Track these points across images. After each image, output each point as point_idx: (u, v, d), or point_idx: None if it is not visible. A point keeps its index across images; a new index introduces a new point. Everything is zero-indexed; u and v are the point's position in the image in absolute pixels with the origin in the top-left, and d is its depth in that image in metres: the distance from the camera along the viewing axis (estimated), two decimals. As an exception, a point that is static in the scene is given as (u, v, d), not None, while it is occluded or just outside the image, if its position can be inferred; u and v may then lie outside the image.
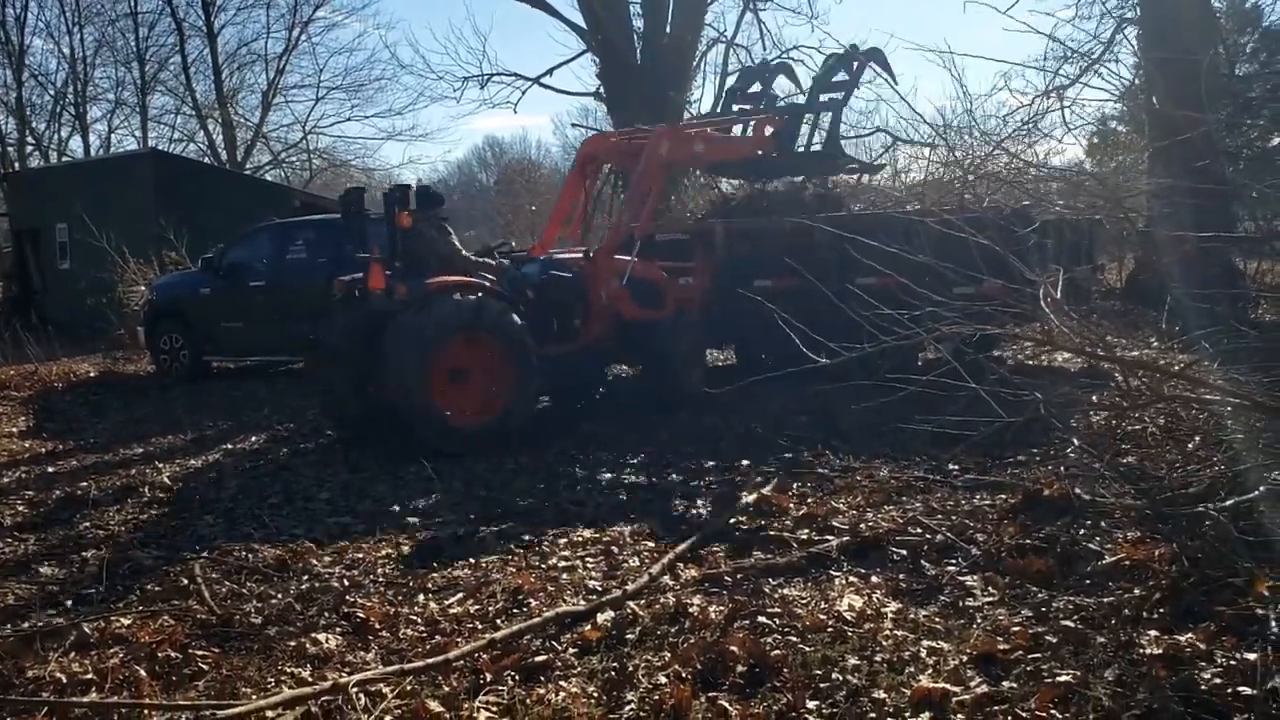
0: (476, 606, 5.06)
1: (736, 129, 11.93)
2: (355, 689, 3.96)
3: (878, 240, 7.46)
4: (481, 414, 8.82)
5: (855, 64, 10.97)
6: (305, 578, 5.67)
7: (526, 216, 33.37)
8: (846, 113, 11.97)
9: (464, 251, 9.36)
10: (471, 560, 5.84)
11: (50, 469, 8.96)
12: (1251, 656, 3.79)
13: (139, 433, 10.50)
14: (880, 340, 5.42)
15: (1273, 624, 3.95)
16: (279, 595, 5.39)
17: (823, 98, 11.46)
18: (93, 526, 6.89)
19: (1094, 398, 7.82)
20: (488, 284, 8.99)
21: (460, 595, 5.23)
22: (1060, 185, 9.57)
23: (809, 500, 6.51)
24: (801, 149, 11.40)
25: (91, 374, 15.00)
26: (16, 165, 34.07)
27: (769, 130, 10.93)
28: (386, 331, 8.48)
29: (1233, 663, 3.78)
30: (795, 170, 12.17)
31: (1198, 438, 5.75)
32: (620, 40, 22.68)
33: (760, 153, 11.07)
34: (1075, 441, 4.87)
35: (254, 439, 9.89)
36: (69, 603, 5.42)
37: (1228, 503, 4.66)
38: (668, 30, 22.99)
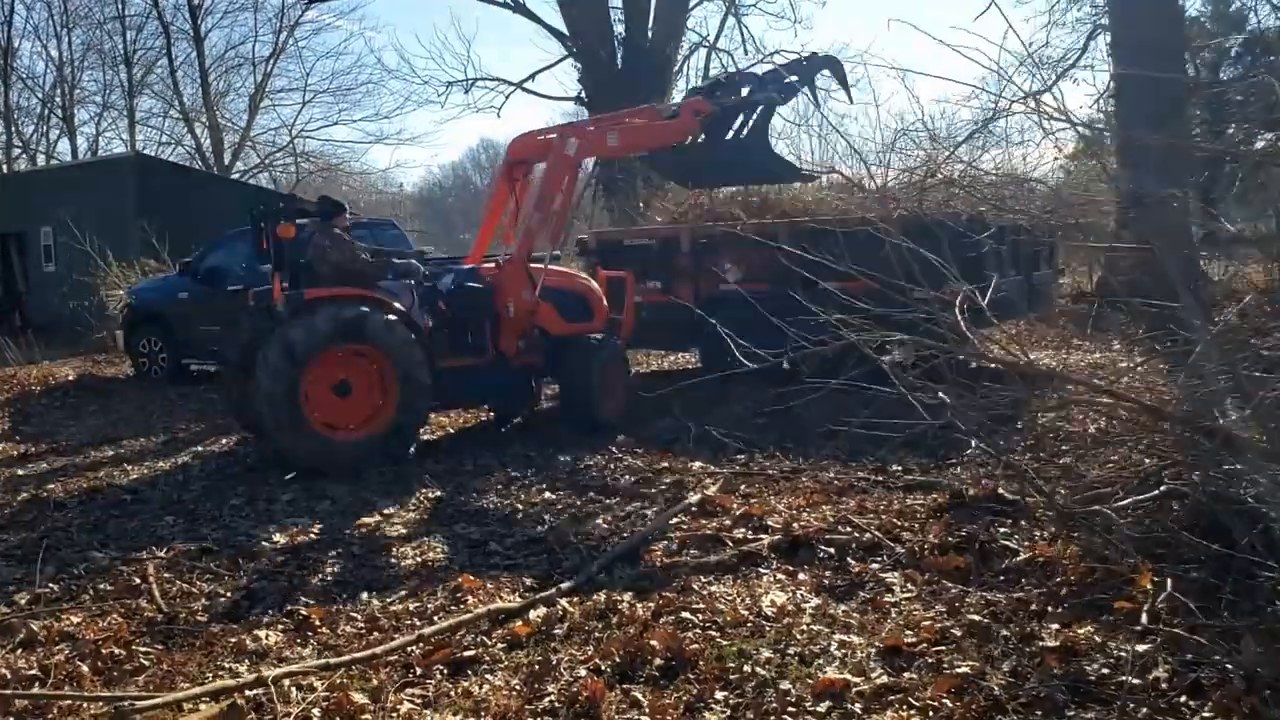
0: (416, 604, 5.23)
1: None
2: (285, 681, 4.13)
3: (838, 245, 7.64)
4: (367, 429, 8.56)
5: (809, 70, 10.58)
6: (255, 576, 5.83)
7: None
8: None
9: (368, 260, 8.93)
10: (417, 559, 6.01)
11: (20, 471, 9.10)
12: (1141, 648, 3.98)
13: (112, 435, 10.65)
14: (826, 342, 5.59)
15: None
16: (227, 594, 5.56)
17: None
18: (53, 528, 7.03)
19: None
20: (378, 295, 8.68)
21: (402, 593, 5.40)
22: (1014, 191, 9.75)
23: (751, 500, 6.69)
24: (733, 144, 10.44)
25: (70, 377, 15.14)
26: (3, 169, 34.20)
27: (696, 114, 9.98)
28: (259, 344, 8.37)
29: (1123, 654, 3.96)
30: (726, 170, 11.46)
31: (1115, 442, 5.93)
32: (601, 45, 22.91)
33: (689, 140, 10.22)
34: (974, 443, 5.03)
35: (224, 441, 10.04)
36: (23, 600, 5.57)
37: (1125, 502, 4.84)
38: (649, 35, 23.24)
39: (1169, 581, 4.23)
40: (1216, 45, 29.59)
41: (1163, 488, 4.91)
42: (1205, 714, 3.49)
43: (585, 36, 22.77)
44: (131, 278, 17.74)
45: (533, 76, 25.65)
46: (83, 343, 17.82)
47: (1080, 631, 4.21)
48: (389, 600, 5.30)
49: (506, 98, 26.78)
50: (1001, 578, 4.95)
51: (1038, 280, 12.21)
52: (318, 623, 5.01)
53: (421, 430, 9.09)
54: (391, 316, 8.56)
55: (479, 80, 25.35)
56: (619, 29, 23.53)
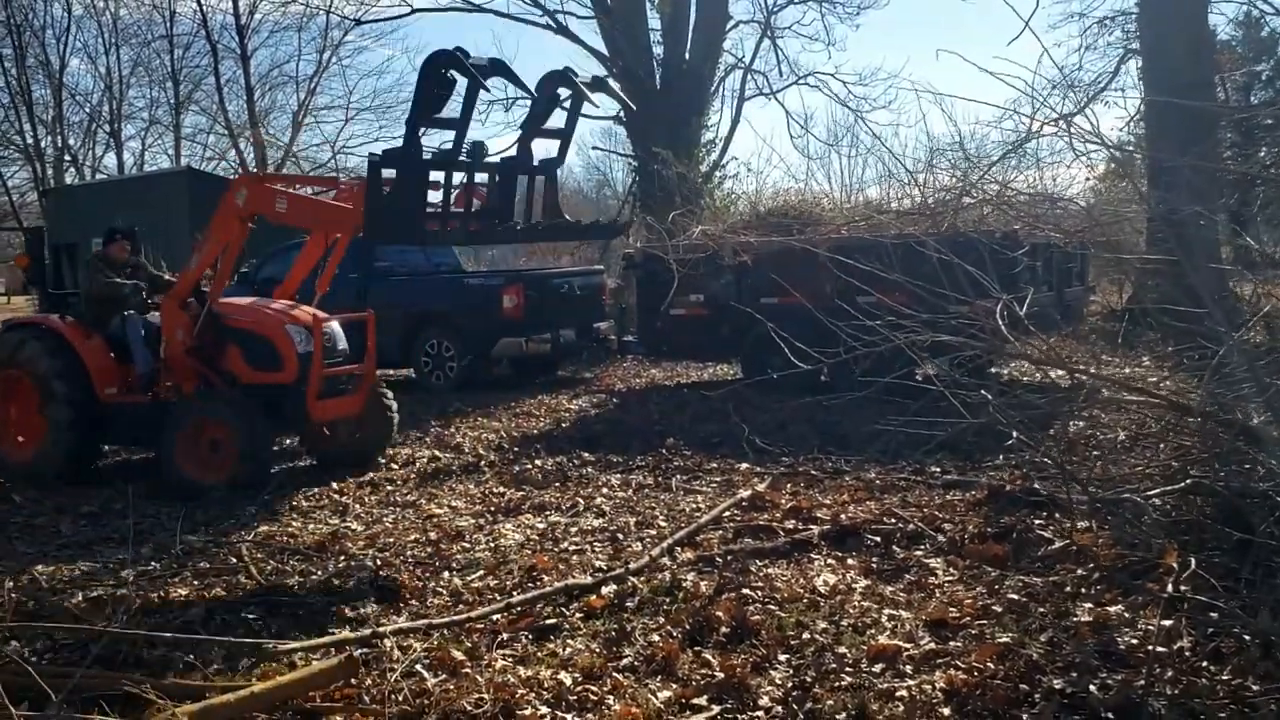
0: (495, 581, 5.69)
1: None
2: (388, 642, 4.61)
3: (872, 261, 8.07)
4: (16, 452, 9.20)
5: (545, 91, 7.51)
6: (342, 559, 6.30)
7: (548, 236, 34.10)
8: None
9: (105, 280, 8.98)
10: (491, 545, 6.47)
11: (99, 464, 9.64)
12: (1167, 623, 4.37)
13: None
14: (861, 350, 6.04)
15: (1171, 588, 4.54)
16: (319, 572, 6.03)
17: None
18: (144, 515, 7.52)
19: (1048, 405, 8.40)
20: (53, 320, 9.14)
21: (481, 572, 5.86)
22: (1047, 210, 10.15)
23: (799, 496, 7.12)
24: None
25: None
26: (53, 181, 35.08)
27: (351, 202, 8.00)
28: None
29: (1150, 628, 4.36)
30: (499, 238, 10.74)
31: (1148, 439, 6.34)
32: (640, 66, 23.43)
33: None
34: (1014, 435, 5.45)
35: (289, 440, 10.54)
36: (130, 577, 6.06)
37: (1153, 493, 5.25)
38: (687, 57, 23.74)
39: (1192, 561, 4.62)
40: (1247, 70, 29.88)
41: (1187, 481, 5.31)
42: (1224, 676, 3.88)
43: (624, 57, 23.30)
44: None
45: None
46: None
47: (1111, 609, 4.61)
48: (469, 579, 5.76)
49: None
50: (1037, 563, 5.35)
51: (1070, 296, 12.59)
52: (408, 596, 5.48)
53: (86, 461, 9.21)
54: (43, 343, 8.92)
55: (520, 99, 25.88)
56: (657, 50, 24.06)
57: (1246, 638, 4.11)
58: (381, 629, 4.61)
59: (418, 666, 4.37)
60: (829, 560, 5.70)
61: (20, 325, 9.54)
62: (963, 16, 51.82)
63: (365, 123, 37.52)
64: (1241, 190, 29.16)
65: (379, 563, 6.14)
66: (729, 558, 5.82)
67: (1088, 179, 15.12)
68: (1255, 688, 3.67)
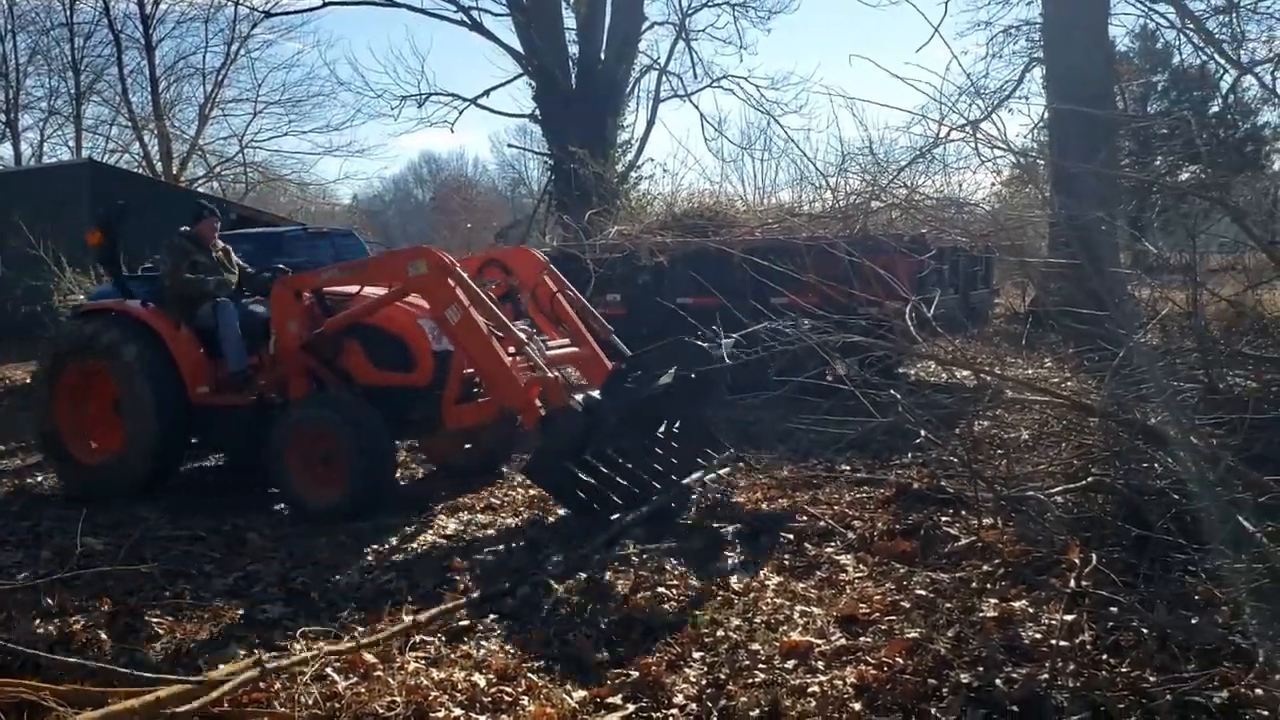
0: (408, 581, 5.62)
1: None
2: (299, 644, 4.53)
3: (785, 263, 8.17)
4: (102, 453, 8.04)
5: None
6: (249, 560, 6.17)
7: (463, 234, 33.90)
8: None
9: (186, 275, 7.97)
10: (407, 547, 6.40)
11: (-4, 465, 9.32)
12: (1069, 618, 4.49)
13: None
14: (776, 349, 6.12)
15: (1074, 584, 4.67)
16: (225, 575, 5.90)
17: None
18: (43, 517, 7.29)
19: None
20: (135, 307, 8.02)
21: (393, 574, 5.78)
22: (954, 214, 10.36)
23: (712, 495, 7.17)
24: None
25: (27, 380, 15.21)
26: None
27: None
28: None
29: (1053, 622, 4.48)
30: None
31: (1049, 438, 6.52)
32: (555, 65, 23.40)
33: None
34: (922, 433, 5.58)
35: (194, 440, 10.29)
36: (25, 580, 5.85)
37: (1056, 490, 5.41)
38: (602, 57, 23.77)
39: (1093, 557, 4.76)
40: (1144, 81, 30.89)
41: (1088, 479, 5.48)
42: (1123, 669, 4.00)
43: (540, 55, 23.25)
44: (85, 283, 17.82)
45: (487, 93, 26.03)
46: (35, 347, 17.80)
47: (1016, 604, 4.73)
48: (383, 581, 5.68)
49: (460, 113, 27.18)
50: (944, 560, 5.47)
51: (975, 299, 12.88)
52: (315, 598, 5.39)
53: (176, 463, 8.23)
54: (124, 333, 7.81)
55: (433, 95, 25.72)
56: (573, 49, 24.06)
57: (1145, 631, 4.24)
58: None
59: (328, 670, 4.30)
60: (743, 558, 5.75)
61: (97, 312, 8.25)
62: (873, 23, 52.70)
63: (274, 116, 36.62)
64: (1139, 197, 30.20)
65: (285, 565, 6.04)
66: (644, 556, 5.83)
67: (993, 184, 15.52)
68: (1153, 679, 3.79)
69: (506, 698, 4.01)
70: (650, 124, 26.16)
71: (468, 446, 8.35)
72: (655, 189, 23.33)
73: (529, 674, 4.24)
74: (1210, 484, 4.61)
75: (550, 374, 6.67)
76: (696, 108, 28.59)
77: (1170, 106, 31.75)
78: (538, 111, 24.63)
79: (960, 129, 13.54)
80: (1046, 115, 18.11)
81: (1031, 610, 4.65)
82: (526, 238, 22.05)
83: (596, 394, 6.59)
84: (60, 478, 8.19)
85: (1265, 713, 3.54)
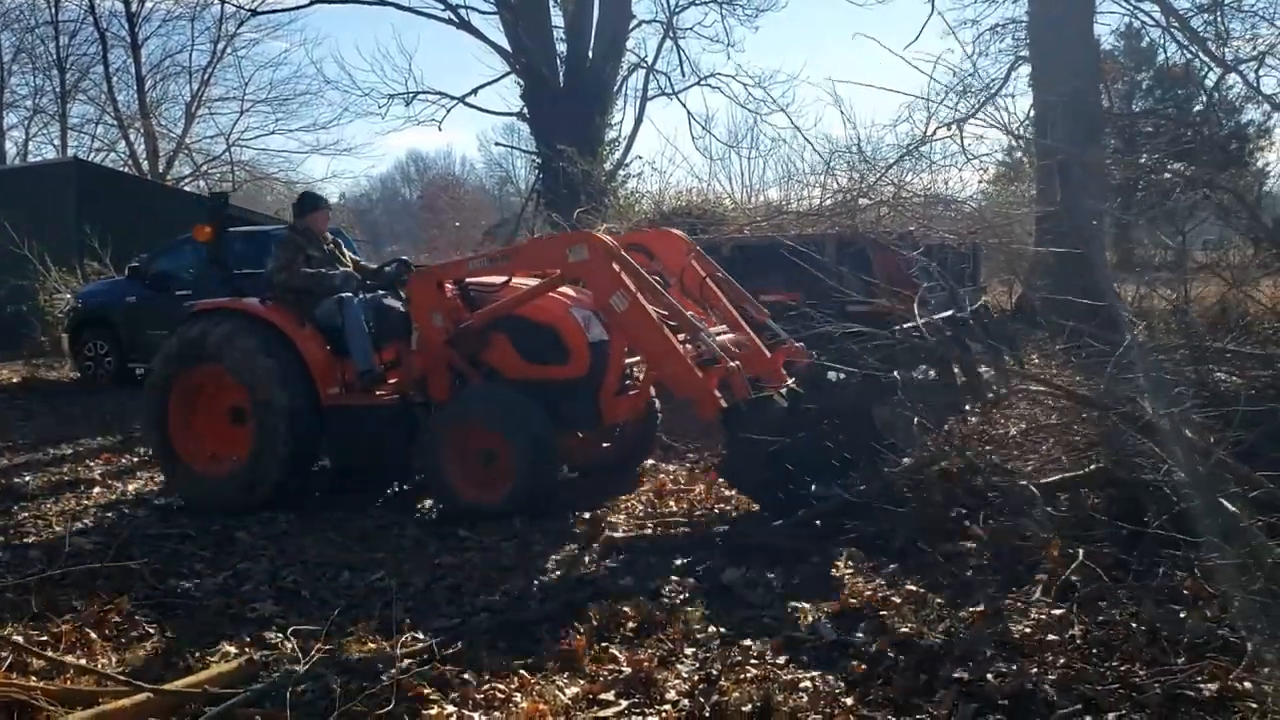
0: (398, 580, 5.62)
1: None
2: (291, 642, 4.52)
3: (774, 259, 8.20)
4: (226, 463, 7.50)
5: None
6: (239, 559, 6.16)
7: (451, 232, 33.88)
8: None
9: (305, 270, 7.52)
10: (392, 543, 6.40)
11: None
12: (1058, 612, 4.52)
13: (68, 435, 10.81)
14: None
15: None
16: (215, 574, 5.89)
17: None
18: (32, 516, 7.27)
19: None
20: (254, 305, 7.52)
21: (381, 573, 5.78)
22: (941, 211, 10.42)
23: (703, 492, 7.19)
24: None
25: (14, 380, 15.17)
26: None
27: None
28: None
29: (1044, 617, 4.50)
30: None
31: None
32: (543, 64, 23.37)
33: None
34: (918, 423, 5.62)
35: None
36: (14, 582, 5.83)
37: (1049, 480, 5.45)
38: (590, 54, 23.76)
39: (1080, 552, 4.79)
40: (1129, 79, 31.02)
41: (1080, 473, 5.51)
42: (1113, 663, 4.02)
43: (527, 54, 23.22)
44: (72, 282, 17.77)
45: (475, 92, 25.94)
46: (24, 346, 17.76)
47: (1005, 600, 4.75)
48: (371, 578, 5.68)
49: (448, 111, 27.12)
50: (937, 555, 5.48)
51: (962, 296, 12.90)
52: (307, 595, 5.39)
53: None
54: (235, 331, 7.34)
55: (420, 94, 25.66)
56: (560, 47, 24.04)
57: (1134, 625, 4.26)
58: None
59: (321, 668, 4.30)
60: (734, 555, 5.76)
61: (212, 312, 7.61)
62: (859, 21, 52.76)
63: (261, 115, 36.47)
64: (1124, 195, 30.27)
65: (275, 563, 6.03)
66: (634, 553, 5.84)
67: (979, 181, 15.61)
68: (1142, 673, 3.81)
69: (499, 695, 4.01)
70: (638, 122, 26.19)
71: (606, 445, 7.85)
72: (644, 187, 23.34)
73: (521, 670, 4.24)
74: (1201, 478, 4.65)
75: (731, 363, 6.39)
76: (684, 106, 28.82)
77: (1155, 104, 31.91)
78: (525, 110, 24.60)
79: (947, 126, 13.66)
80: (1032, 113, 18.17)
81: (1021, 605, 4.67)
82: (514, 237, 22.02)
83: (789, 387, 6.37)
84: (182, 495, 7.62)
85: (1254, 705, 3.56)
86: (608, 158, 23.79)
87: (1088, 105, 17.76)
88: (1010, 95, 21.73)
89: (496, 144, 53.78)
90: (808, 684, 3.99)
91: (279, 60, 73.88)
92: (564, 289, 7.14)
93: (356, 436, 7.37)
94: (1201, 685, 3.68)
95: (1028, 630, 4.39)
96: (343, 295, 7.46)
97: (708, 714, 3.78)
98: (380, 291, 7.78)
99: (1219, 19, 18.48)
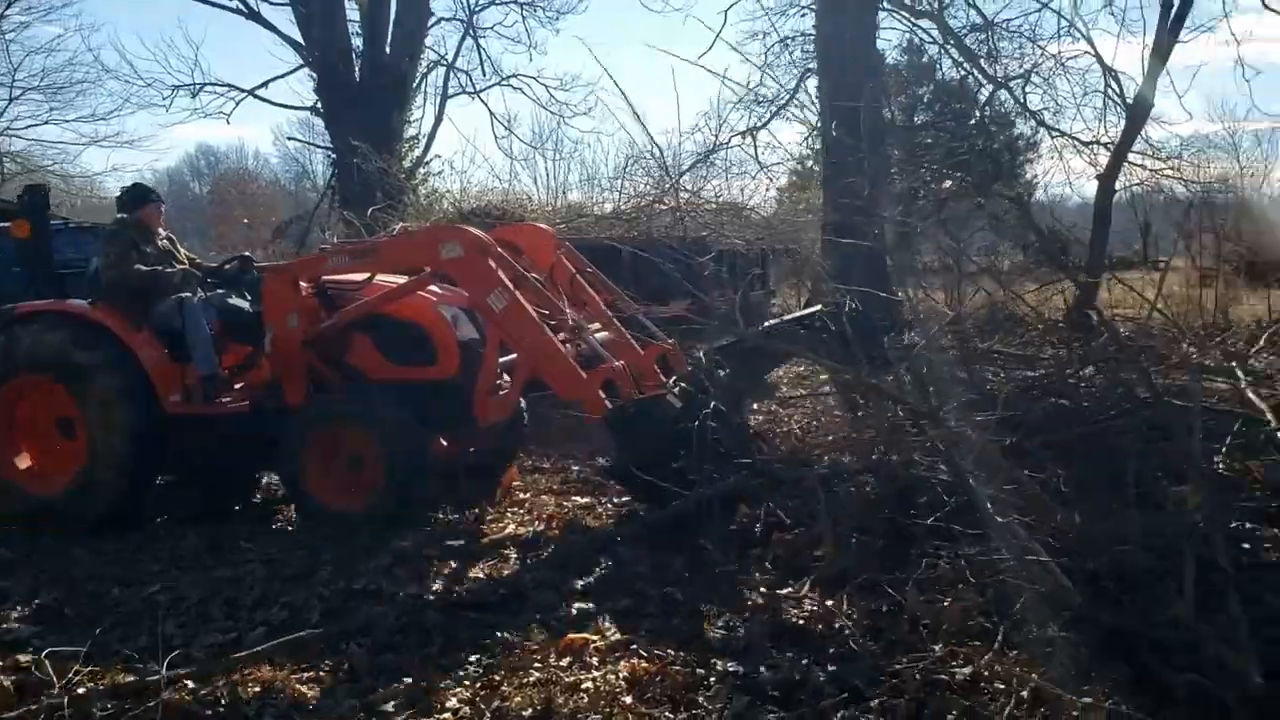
0: (172, 594, 5.39)
1: None
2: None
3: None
4: (56, 481, 7.00)
5: None
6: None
7: (240, 229, 32.55)
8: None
9: (139, 267, 7.05)
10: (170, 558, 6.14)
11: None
12: (830, 602, 4.72)
13: None
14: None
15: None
16: None
17: None
18: None
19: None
20: (79, 306, 7.04)
21: (158, 586, 5.51)
22: (731, 218, 10.73)
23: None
24: None
25: None
26: None
27: None
28: None
29: (817, 608, 4.70)
30: None
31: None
32: (338, 58, 22.78)
33: None
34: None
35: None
36: None
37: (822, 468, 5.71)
38: (387, 50, 23.30)
39: (853, 541, 5.03)
40: (911, 93, 32.62)
41: (861, 464, 5.78)
42: (877, 649, 4.23)
43: (320, 47, 22.59)
44: None
45: (265, 84, 25.12)
46: None
47: (782, 591, 4.93)
48: (145, 593, 5.42)
49: (237, 104, 26.05)
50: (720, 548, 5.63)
51: (753, 300, 13.33)
52: (70, 614, 5.12)
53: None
54: (50, 333, 6.86)
55: (208, 85, 24.63)
56: (357, 42, 23.49)
57: (900, 614, 4.50)
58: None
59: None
60: (526, 560, 5.77)
61: (34, 315, 6.95)
62: (657, 29, 53.79)
63: (32, 103, 34.02)
64: (906, 203, 31.74)
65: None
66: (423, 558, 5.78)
67: (767, 189, 16.16)
68: (904, 660, 4.02)
69: (272, 710, 3.89)
70: (438, 120, 25.90)
71: (471, 449, 7.47)
72: (444, 186, 23.08)
73: (298, 685, 4.13)
74: (968, 473, 4.91)
75: (616, 363, 6.24)
76: (486, 105, 28.40)
77: (935, 117, 33.66)
78: (319, 104, 23.92)
79: (739, 135, 13.99)
80: (819, 123, 18.89)
81: (797, 597, 4.85)
82: (307, 234, 21.38)
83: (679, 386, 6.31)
84: (9, 515, 7.02)
85: (1002, 685, 3.81)
86: (407, 155, 23.41)
87: (870, 117, 18.57)
88: (800, 106, 22.50)
89: (289, 139, 51.84)
90: (589, 684, 4.04)
91: (53, 46, 68.94)
92: (430, 287, 6.88)
93: (202, 448, 7.00)
94: (956, 670, 3.91)
95: (802, 621, 4.58)
96: (182, 295, 7.03)
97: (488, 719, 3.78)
98: (221, 291, 7.39)
99: (990, 38, 19.68)
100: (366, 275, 6.94)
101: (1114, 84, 15.27)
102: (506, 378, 6.81)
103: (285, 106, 34.77)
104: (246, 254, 7.94)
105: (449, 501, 6.86)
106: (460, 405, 6.64)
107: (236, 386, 7.18)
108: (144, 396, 6.79)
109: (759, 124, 17.46)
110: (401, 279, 6.80)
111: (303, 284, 6.88)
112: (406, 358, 6.76)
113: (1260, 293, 17.44)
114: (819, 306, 7.45)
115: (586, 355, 6.37)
